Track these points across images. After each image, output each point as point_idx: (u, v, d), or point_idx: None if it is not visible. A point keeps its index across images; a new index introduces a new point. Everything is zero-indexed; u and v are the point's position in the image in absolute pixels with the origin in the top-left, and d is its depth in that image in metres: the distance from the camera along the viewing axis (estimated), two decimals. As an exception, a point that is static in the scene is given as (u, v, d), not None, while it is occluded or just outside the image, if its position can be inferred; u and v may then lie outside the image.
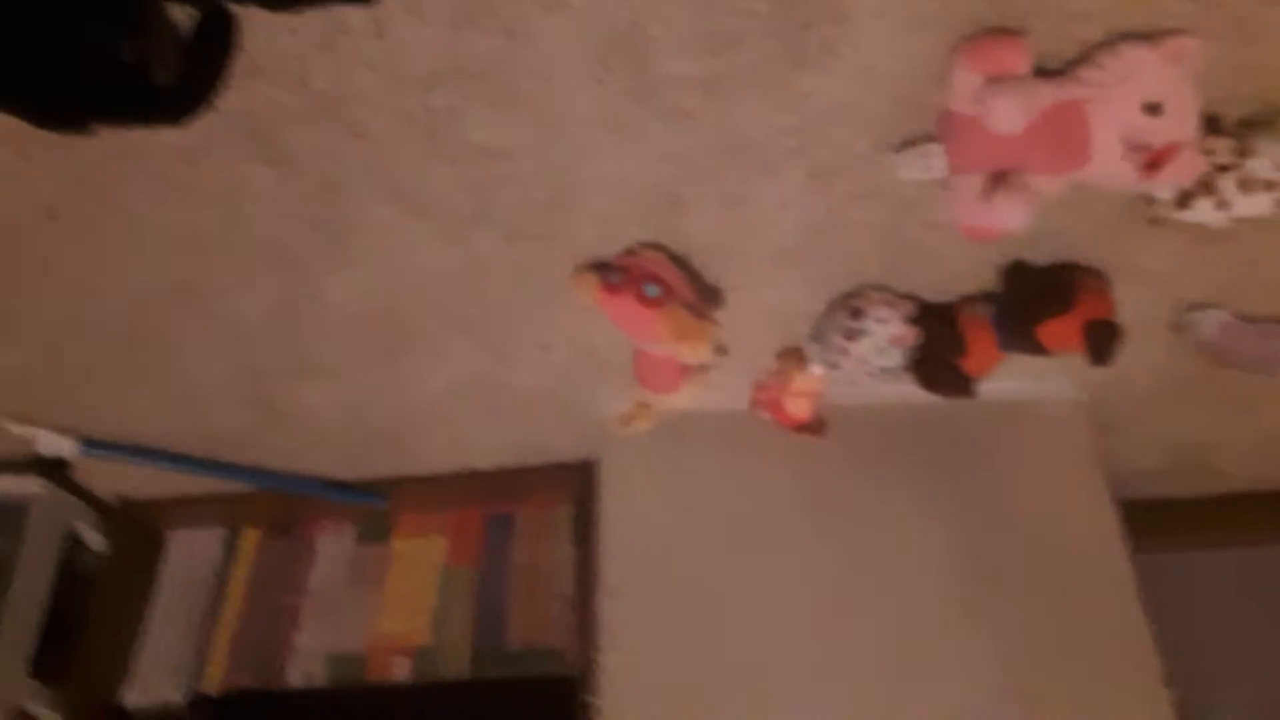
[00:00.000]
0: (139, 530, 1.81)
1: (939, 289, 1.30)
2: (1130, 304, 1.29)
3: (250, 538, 1.81)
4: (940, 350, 1.25)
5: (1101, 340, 1.16)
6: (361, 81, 1.02)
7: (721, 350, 1.38)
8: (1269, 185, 1.06)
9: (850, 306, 1.28)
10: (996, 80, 0.97)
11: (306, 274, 1.27)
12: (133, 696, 1.68)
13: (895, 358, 1.27)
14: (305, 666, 1.66)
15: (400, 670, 1.63)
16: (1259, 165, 1.05)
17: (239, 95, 1.02)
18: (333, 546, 1.77)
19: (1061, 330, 1.19)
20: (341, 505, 1.75)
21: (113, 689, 1.68)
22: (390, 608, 1.69)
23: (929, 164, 1.06)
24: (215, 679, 1.68)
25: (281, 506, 1.78)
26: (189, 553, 1.82)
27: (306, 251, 1.23)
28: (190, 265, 1.25)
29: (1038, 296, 1.20)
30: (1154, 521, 1.64)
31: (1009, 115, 0.95)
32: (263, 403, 1.52)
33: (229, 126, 1.06)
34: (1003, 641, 1.30)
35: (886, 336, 1.25)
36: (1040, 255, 1.25)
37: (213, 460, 1.65)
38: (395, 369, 1.44)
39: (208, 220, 1.18)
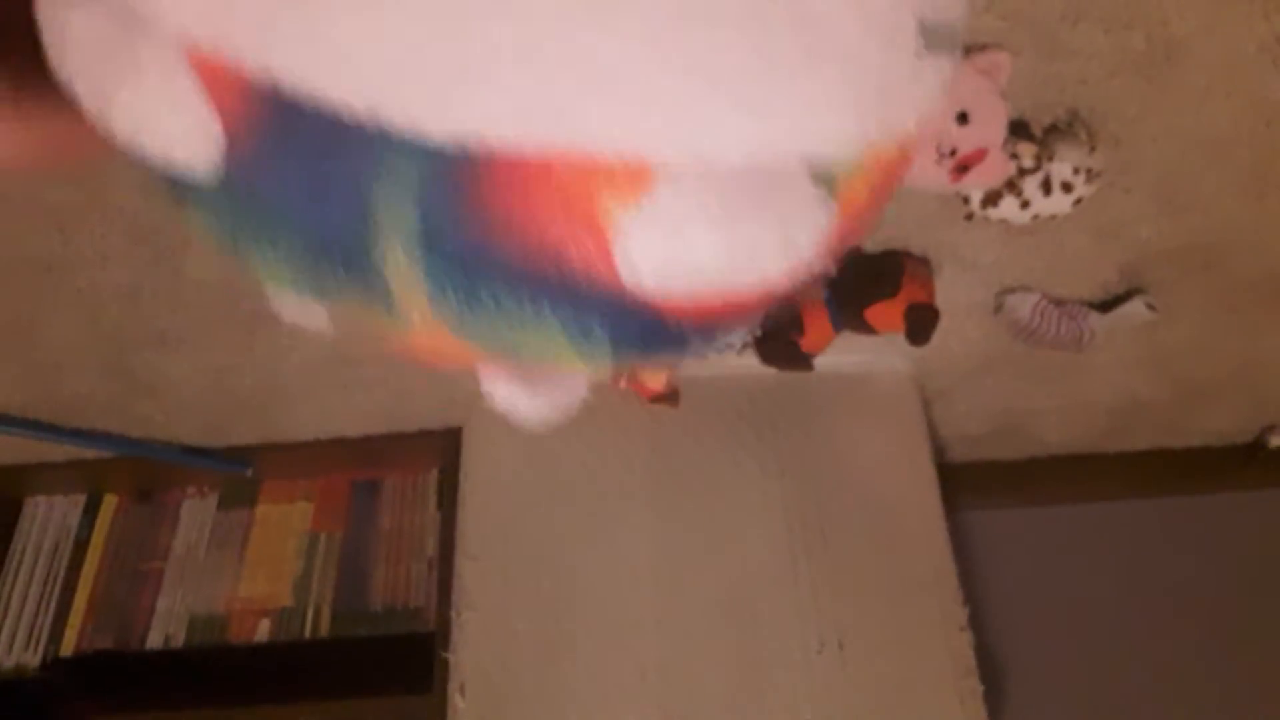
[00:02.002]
0: (-8, 497, 1.78)
1: (782, 271, 1.39)
2: (952, 288, 1.41)
3: (110, 504, 1.80)
4: (779, 329, 1.35)
5: (920, 323, 1.28)
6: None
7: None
8: (1066, 187, 1.18)
9: (700, 287, 1.36)
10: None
11: (166, 247, 1.27)
12: (-14, 660, 1.67)
13: (736, 337, 1.36)
14: (165, 629, 1.68)
15: (261, 631, 1.66)
16: (1059, 169, 1.17)
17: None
18: (195, 513, 1.77)
19: (887, 313, 1.30)
20: (205, 472, 1.76)
21: (-35, 655, 1.66)
22: (252, 571, 1.71)
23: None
24: (73, 642, 1.67)
25: (143, 473, 1.77)
26: (46, 518, 1.80)
27: (166, 224, 1.23)
28: (48, 240, 1.24)
29: (867, 282, 1.31)
30: (976, 482, 1.81)
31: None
32: (124, 373, 1.51)
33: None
34: (827, 591, 1.42)
35: (732, 316, 1.34)
36: (871, 243, 1.35)
37: (72, 428, 1.63)
38: (257, 341, 1.46)
39: (66, 196, 1.17)
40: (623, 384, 1.53)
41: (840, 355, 1.51)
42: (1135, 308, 1.41)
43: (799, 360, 1.40)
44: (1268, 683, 1.75)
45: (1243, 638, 1.79)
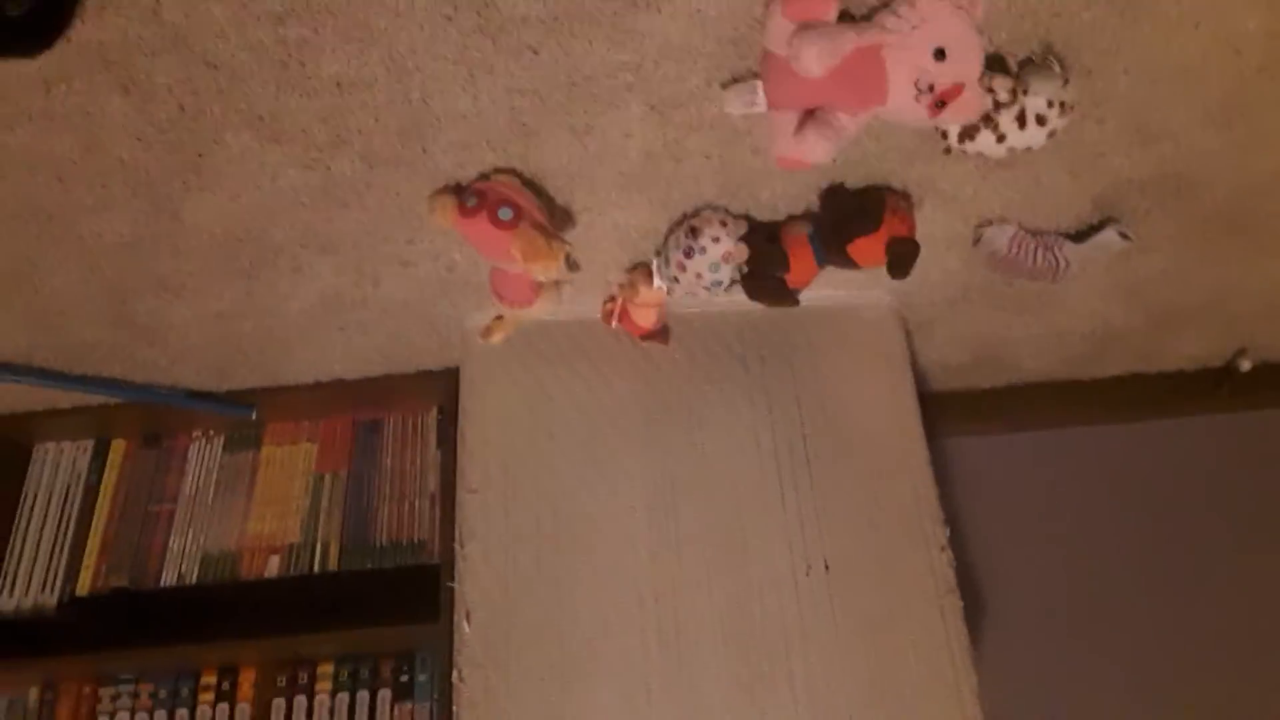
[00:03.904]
0: (4, 443, 1.82)
1: (768, 209, 1.43)
2: (932, 221, 1.45)
3: (119, 448, 1.85)
4: (765, 265, 1.39)
5: (901, 256, 1.32)
6: (213, 13, 1.06)
7: (574, 266, 1.48)
8: (1040, 120, 1.21)
9: (688, 226, 1.40)
10: (806, 26, 1.08)
11: (165, 196, 1.30)
12: (3, 601, 1.73)
13: (726, 273, 1.39)
14: (178, 567, 1.74)
15: (271, 567, 1.73)
16: (1034, 102, 1.20)
17: (91, 26, 1.05)
18: (202, 455, 1.83)
19: (869, 247, 1.34)
20: (210, 416, 1.80)
21: (-19, 596, 1.72)
22: (260, 510, 1.77)
23: (751, 100, 1.17)
24: (88, 582, 1.74)
25: (150, 418, 1.82)
26: (56, 464, 1.85)
27: (164, 175, 1.26)
28: (48, 190, 1.26)
29: (849, 217, 1.35)
30: (957, 409, 1.87)
31: (813, 61, 1.06)
32: (126, 319, 1.55)
33: (82, 56, 1.08)
34: (813, 517, 1.48)
35: (719, 254, 1.38)
36: (854, 179, 1.39)
37: (78, 374, 1.67)
38: (259, 286, 1.49)
39: (64, 146, 1.20)
40: (614, 323, 1.57)
41: (825, 290, 1.55)
42: (1109, 237, 1.45)
43: (785, 296, 1.44)
44: (1238, 601, 1.83)
45: (1216, 557, 1.86)
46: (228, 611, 1.74)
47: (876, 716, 1.38)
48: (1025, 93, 1.19)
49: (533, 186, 1.34)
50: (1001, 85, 1.18)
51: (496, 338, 1.55)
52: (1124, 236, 1.45)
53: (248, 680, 1.68)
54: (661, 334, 1.59)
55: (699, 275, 1.40)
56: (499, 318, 1.54)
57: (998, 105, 1.19)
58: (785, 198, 1.42)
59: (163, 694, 1.69)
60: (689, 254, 1.39)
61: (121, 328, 1.56)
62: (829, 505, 1.49)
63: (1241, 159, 1.39)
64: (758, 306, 1.52)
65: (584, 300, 1.58)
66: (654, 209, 1.42)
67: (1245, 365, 1.87)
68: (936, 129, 1.26)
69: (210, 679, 1.69)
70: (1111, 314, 1.72)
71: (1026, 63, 1.21)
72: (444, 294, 1.56)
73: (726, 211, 1.43)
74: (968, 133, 1.22)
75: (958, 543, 1.52)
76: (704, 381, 1.59)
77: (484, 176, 1.32)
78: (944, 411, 1.79)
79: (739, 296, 1.46)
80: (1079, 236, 1.48)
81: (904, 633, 1.43)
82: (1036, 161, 1.34)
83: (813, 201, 1.43)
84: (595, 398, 1.58)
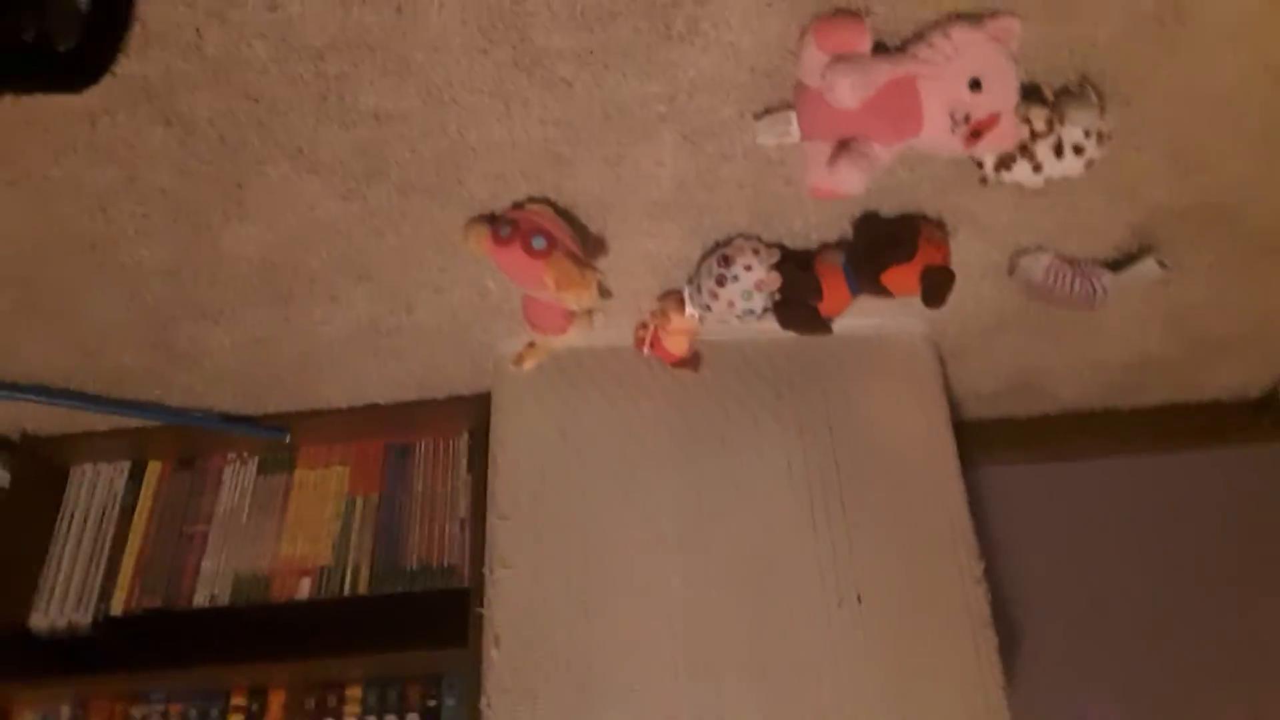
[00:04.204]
0: (43, 464, 1.85)
1: (800, 238, 1.43)
2: (967, 250, 1.44)
3: (155, 470, 1.87)
4: (798, 294, 1.39)
5: (935, 285, 1.31)
6: (254, 48, 1.08)
7: (605, 294, 1.49)
8: (1078, 150, 1.20)
9: (721, 254, 1.40)
10: (840, 58, 1.09)
11: (205, 226, 1.32)
12: (39, 619, 1.74)
13: (759, 301, 1.39)
14: (211, 588, 1.75)
15: (303, 589, 1.73)
16: (1070, 132, 1.20)
17: (136, 61, 1.07)
18: (236, 478, 1.84)
19: (903, 276, 1.33)
20: (245, 439, 1.82)
21: (19, 614, 1.74)
22: (293, 532, 1.78)
23: (784, 130, 1.18)
24: (122, 602, 1.75)
25: (185, 441, 1.84)
26: (93, 485, 1.87)
27: (204, 205, 1.28)
28: (91, 219, 1.29)
29: (883, 246, 1.34)
30: (992, 438, 1.85)
31: (847, 92, 1.06)
32: (164, 345, 1.57)
33: (126, 90, 1.10)
34: (845, 547, 1.47)
35: (752, 282, 1.38)
36: (888, 208, 1.38)
37: (116, 398, 1.69)
38: (294, 313, 1.51)
39: (106, 177, 1.22)
40: (646, 350, 1.57)
41: (858, 318, 1.55)
42: (1147, 266, 1.44)
43: (818, 324, 1.44)
44: (1275, 635, 1.79)
45: (1255, 591, 1.83)
46: (258, 633, 1.75)
47: (908, 751, 1.36)
48: (1062, 122, 1.19)
49: (566, 215, 1.35)
50: (1038, 115, 1.18)
51: (529, 364, 1.56)
52: (1162, 265, 1.44)
53: (277, 702, 1.69)
54: (693, 361, 1.58)
55: (731, 303, 1.40)
56: (531, 344, 1.54)
57: (1034, 135, 1.19)
58: (818, 226, 1.41)
59: (192, 714, 1.70)
60: (721, 282, 1.39)
61: (160, 353, 1.59)
62: (862, 535, 1.48)
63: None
64: (790, 334, 1.51)
65: (616, 327, 1.58)
66: (686, 237, 1.42)
67: (1286, 396, 1.84)
68: (972, 159, 1.25)
69: (240, 700, 1.70)
70: (1149, 343, 1.70)
71: (1063, 92, 1.21)
72: (477, 320, 1.57)
73: (759, 240, 1.42)
74: (1004, 162, 1.22)
75: (992, 575, 1.50)
76: (736, 408, 1.58)
77: (518, 205, 1.33)
78: (979, 440, 1.77)
79: (771, 324, 1.46)
80: (1116, 265, 1.46)
81: (937, 667, 1.41)
82: (1073, 190, 1.33)
83: (846, 230, 1.42)
84: (626, 424, 1.58)
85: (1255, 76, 1.21)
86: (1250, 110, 1.25)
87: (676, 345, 1.55)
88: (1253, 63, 1.19)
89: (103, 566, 1.79)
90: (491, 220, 1.32)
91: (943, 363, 1.67)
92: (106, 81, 1.06)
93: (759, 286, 1.38)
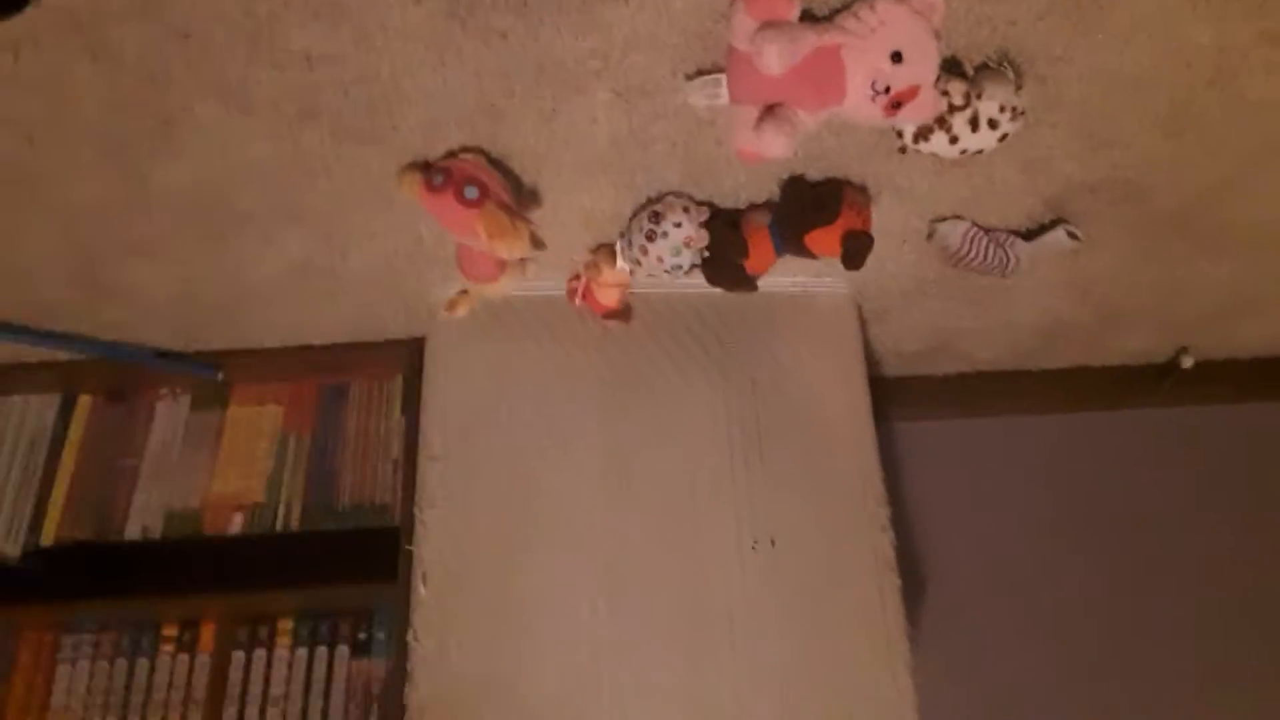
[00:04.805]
0: (-32, 396, 1.84)
1: (730, 198, 1.47)
2: (888, 216, 1.49)
3: (85, 404, 1.87)
4: (725, 251, 1.43)
5: (855, 249, 1.36)
6: (184, -15, 1.07)
7: (538, 245, 1.52)
8: (993, 124, 1.25)
9: (652, 211, 1.43)
10: (769, 24, 1.11)
11: (134, 161, 1.31)
12: (-36, 551, 1.75)
13: (687, 257, 1.43)
14: (143, 521, 1.77)
15: (235, 524, 1.76)
16: (987, 106, 1.23)
17: (61, -7, 1.06)
18: (169, 414, 1.85)
19: (825, 238, 1.38)
20: (177, 375, 1.83)
21: (-55, 545, 1.74)
22: (225, 469, 1.80)
23: (714, 93, 1.20)
24: (51, 534, 1.76)
25: (116, 375, 1.83)
26: (23, 416, 1.86)
27: (133, 141, 1.27)
28: (18, 151, 1.27)
29: (808, 209, 1.38)
30: (909, 395, 1.92)
31: (774, 58, 1.09)
32: (93, 280, 1.56)
33: (51, 21, 1.09)
34: (763, 494, 1.54)
35: (681, 238, 1.42)
36: (814, 172, 1.42)
37: (45, 330, 1.68)
38: (226, 251, 1.51)
39: (33, 109, 1.21)
40: (578, 301, 1.60)
41: (784, 277, 1.60)
42: (1058, 236, 1.50)
43: (743, 281, 1.48)
44: (1170, 588, 1.90)
45: (1151, 545, 1.94)
46: (190, 566, 1.77)
47: (812, 685, 1.44)
48: (979, 97, 1.23)
49: (500, 166, 1.36)
50: (956, 89, 1.22)
51: (460, 311, 1.58)
52: (1073, 236, 1.50)
53: (208, 633, 1.72)
54: (624, 313, 1.62)
55: (660, 258, 1.44)
56: (463, 292, 1.57)
57: (952, 108, 1.23)
58: (747, 187, 1.45)
59: (124, 643, 1.72)
60: (651, 237, 1.42)
61: (89, 287, 1.58)
62: (778, 483, 1.55)
63: (1189, 168, 1.44)
64: (718, 290, 1.55)
65: (549, 278, 1.61)
66: (619, 193, 1.45)
67: (1188, 362, 1.94)
68: (893, 128, 1.29)
69: (171, 631, 1.72)
70: (1060, 309, 1.77)
71: (981, 68, 1.25)
72: (411, 267, 1.59)
73: (690, 198, 1.46)
74: (922, 133, 1.26)
75: (902, 524, 1.57)
76: (663, 360, 1.63)
77: (452, 154, 1.34)
78: (896, 396, 1.84)
79: (700, 280, 1.50)
80: (1030, 235, 1.53)
81: (843, 608, 1.48)
82: (990, 162, 1.38)
83: (774, 192, 1.46)
84: (556, 371, 1.61)
85: (1166, 61, 1.26)
86: (1160, 93, 1.31)
87: (608, 297, 1.58)
88: (1165, 48, 1.24)
89: (32, 498, 1.79)
90: (425, 168, 1.33)
91: (864, 323, 1.73)
92: (31, 11, 1.05)
93: (688, 243, 1.42)
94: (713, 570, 1.50)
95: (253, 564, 1.75)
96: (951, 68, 1.23)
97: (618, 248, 1.51)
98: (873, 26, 1.13)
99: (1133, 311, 1.80)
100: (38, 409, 1.86)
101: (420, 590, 1.50)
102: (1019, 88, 1.24)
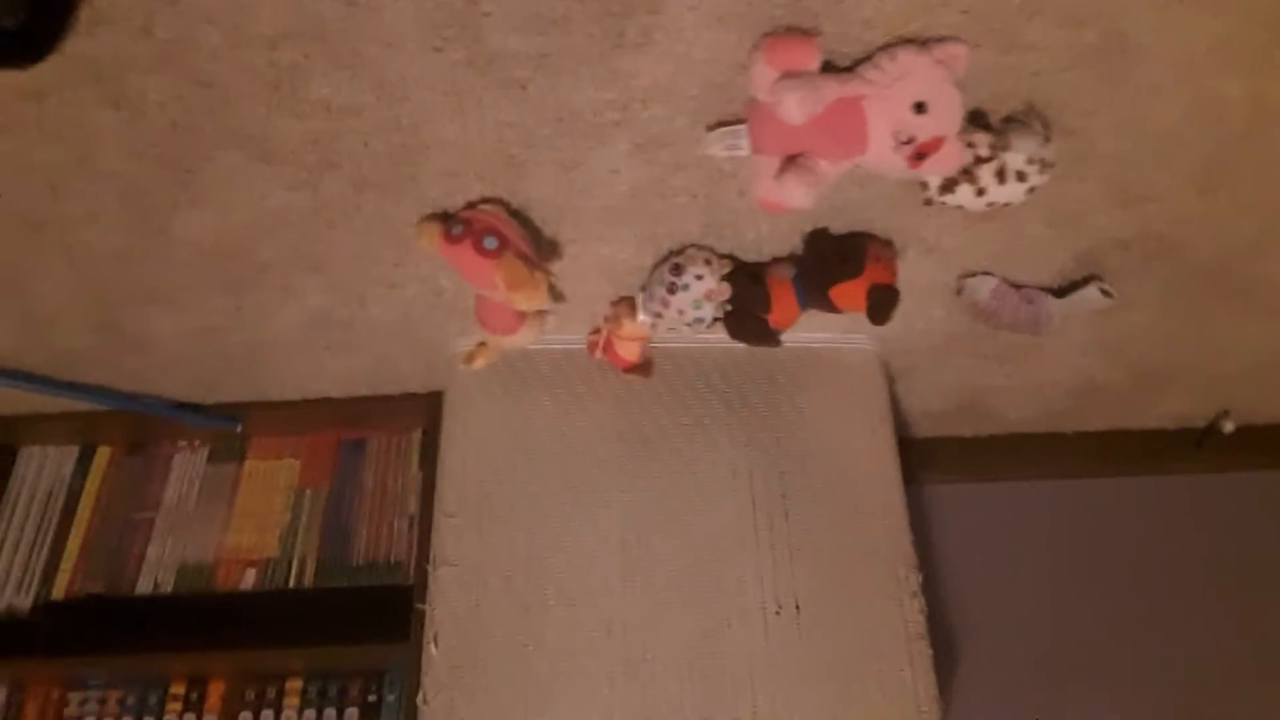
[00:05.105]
0: (-11, 445, 1.84)
1: (752, 250, 1.45)
2: (915, 270, 1.46)
3: (104, 454, 1.87)
4: (748, 305, 1.40)
5: (881, 303, 1.33)
6: (206, 34, 1.08)
7: (558, 297, 1.50)
8: (1020, 176, 1.23)
9: (673, 263, 1.41)
10: (789, 74, 1.10)
11: (155, 210, 1.32)
12: (-23, 601, 1.73)
13: (709, 310, 1.41)
14: (155, 575, 1.75)
15: (247, 580, 1.73)
16: (1013, 158, 1.22)
17: (84, 41, 1.07)
18: (186, 465, 1.84)
19: (850, 292, 1.35)
20: (196, 427, 1.82)
21: (-42, 596, 1.73)
22: (240, 523, 1.78)
23: (734, 144, 1.19)
24: (63, 586, 1.74)
25: (135, 426, 1.83)
26: (41, 467, 1.86)
27: (154, 189, 1.28)
28: (40, 198, 1.28)
29: (832, 262, 1.36)
30: (937, 456, 1.88)
31: (795, 109, 1.08)
32: (113, 328, 1.56)
33: (74, 70, 1.10)
34: (786, 557, 1.49)
35: (702, 291, 1.39)
36: (838, 225, 1.40)
37: (65, 380, 1.68)
38: (246, 302, 1.51)
39: (55, 157, 1.22)
40: (598, 354, 1.58)
41: (810, 333, 1.57)
42: (1091, 293, 1.46)
43: (767, 336, 1.45)
44: (1210, 660, 1.82)
45: (1189, 616, 1.86)
46: (200, 622, 1.74)
47: (837, 761, 1.38)
48: (1006, 149, 1.21)
49: (519, 217, 1.36)
50: (982, 140, 1.20)
51: (479, 363, 1.56)
52: (1106, 293, 1.46)
53: (216, 692, 1.68)
54: (644, 367, 1.60)
55: (681, 311, 1.42)
56: (482, 344, 1.55)
57: (978, 160, 1.21)
58: (770, 239, 1.43)
59: (131, 701, 1.69)
60: (672, 290, 1.40)
61: (109, 336, 1.58)
62: (803, 545, 1.50)
63: (1223, 222, 1.41)
64: (741, 345, 1.53)
65: (569, 330, 1.59)
66: (640, 244, 1.44)
67: (1229, 427, 1.88)
68: (918, 181, 1.27)
69: (179, 689, 1.69)
70: (1094, 369, 1.72)
71: (1008, 120, 1.23)
72: (430, 318, 1.58)
73: (711, 250, 1.44)
74: (948, 185, 1.24)
75: (932, 590, 1.52)
76: (684, 416, 1.60)
77: (471, 205, 1.34)
78: (925, 458, 1.79)
79: (722, 334, 1.47)
80: (1061, 291, 1.49)
81: (870, 677, 1.42)
82: (1019, 216, 1.36)
83: (797, 244, 1.44)
84: (575, 427, 1.59)
85: (1198, 114, 1.24)
86: (1192, 146, 1.28)
87: (628, 351, 1.56)
88: (1196, 100, 1.22)
89: (46, 549, 1.78)
90: (444, 218, 1.33)
91: (891, 380, 1.69)
92: (54, 61, 1.06)
93: (709, 296, 1.40)
94: (734, 635, 1.45)
95: (264, 621, 1.72)
96: (977, 119, 1.22)
97: (638, 300, 1.49)
98: (895, 77, 1.11)
99: (1168, 372, 1.75)
100: (56, 460, 1.87)
101: (431, 651, 1.45)
102: (1047, 140, 1.22)
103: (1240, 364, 1.74)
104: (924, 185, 1.27)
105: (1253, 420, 1.90)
